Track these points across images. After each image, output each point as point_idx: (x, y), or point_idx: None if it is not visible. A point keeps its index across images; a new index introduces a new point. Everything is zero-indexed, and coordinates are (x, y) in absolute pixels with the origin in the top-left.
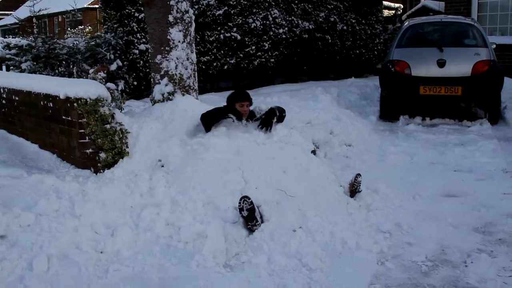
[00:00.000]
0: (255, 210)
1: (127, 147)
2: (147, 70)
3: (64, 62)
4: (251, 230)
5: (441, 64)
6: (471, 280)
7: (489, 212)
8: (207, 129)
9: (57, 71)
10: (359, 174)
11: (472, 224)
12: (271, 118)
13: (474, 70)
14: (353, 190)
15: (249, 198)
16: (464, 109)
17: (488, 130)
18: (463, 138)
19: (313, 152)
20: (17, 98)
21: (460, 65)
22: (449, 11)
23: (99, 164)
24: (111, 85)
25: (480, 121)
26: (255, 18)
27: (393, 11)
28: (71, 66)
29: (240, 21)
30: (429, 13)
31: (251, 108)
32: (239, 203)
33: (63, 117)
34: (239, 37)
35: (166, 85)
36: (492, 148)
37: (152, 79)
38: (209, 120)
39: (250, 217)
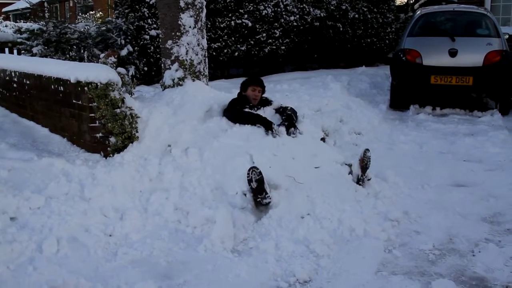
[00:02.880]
0: (264, 181)
1: (137, 131)
2: (158, 55)
3: (75, 47)
4: (260, 204)
5: (453, 53)
6: (479, 269)
7: (498, 202)
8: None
9: (68, 55)
10: (367, 149)
11: (481, 214)
12: (293, 121)
13: (486, 60)
14: (364, 166)
15: (258, 168)
16: (475, 99)
17: (499, 120)
18: (474, 128)
19: (323, 139)
20: (28, 82)
21: (471, 55)
22: (462, 1)
23: (109, 148)
24: (121, 69)
25: (491, 111)
26: (266, 5)
27: (405, 0)
28: (82, 51)
29: (252, 8)
30: (442, 3)
31: (273, 101)
32: (248, 174)
33: (74, 101)
34: (250, 24)
35: (176, 70)
36: (503, 139)
37: (162, 65)
38: (241, 122)
39: (259, 188)
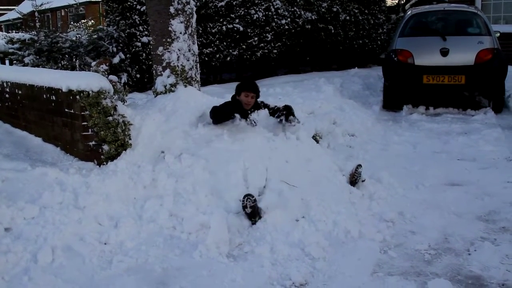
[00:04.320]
0: (258, 207)
1: (130, 139)
2: (150, 62)
3: (66, 56)
4: (253, 223)
5: (444, 53)
6: (475, 268)
7: (492, 200)
8: (216, 123)
9: (60, 64)
10: (359, 165)
11: (476, 213)
12: (291, 110)
13: (477, 58)
14: (354, 180)
15: (253, 196)
16: (468, 98)
17: (492, 118)
18: (467, 127)
19: (316, 141)
20: (20, 92)
21: (463, 53)
22: (452, 0)
23: (102, 156)
24: (113, 77)
25: (484, 110)
26: (257, 9)
27: (396, 1)
28: (74, 60)
29: (243, 12)
30: (433, 2)
31: (269, 105)
32: (243, 201)
33: (66, 110)
34: (241, 29)
35: (168, 76)
36: (496, 137)
37: (154, 71)
38: (219, 118)
39: (253, 213)
